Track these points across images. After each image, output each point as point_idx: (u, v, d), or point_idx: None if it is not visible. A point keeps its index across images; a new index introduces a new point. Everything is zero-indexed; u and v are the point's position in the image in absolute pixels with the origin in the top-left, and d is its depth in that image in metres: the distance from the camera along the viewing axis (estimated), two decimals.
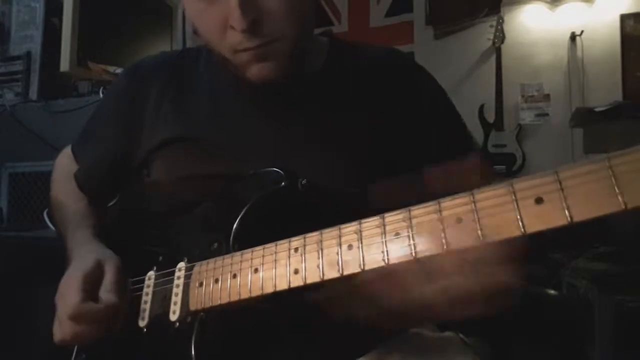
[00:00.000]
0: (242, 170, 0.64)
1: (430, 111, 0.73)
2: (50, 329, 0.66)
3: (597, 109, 2.08)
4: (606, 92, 2.95)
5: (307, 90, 0.72)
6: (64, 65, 1.35)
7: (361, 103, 0.71)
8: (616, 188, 0.34)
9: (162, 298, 0.63)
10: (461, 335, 0.68)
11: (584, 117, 2.18)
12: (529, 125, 3.21)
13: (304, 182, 0.59)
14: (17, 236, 1.32)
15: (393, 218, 0.45)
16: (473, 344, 0.66)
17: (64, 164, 0.88)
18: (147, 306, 0.64)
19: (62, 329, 0.63)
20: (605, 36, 3.08)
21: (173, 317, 0.60)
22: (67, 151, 0.90)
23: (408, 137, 0.69)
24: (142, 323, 0.64)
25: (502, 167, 3.11)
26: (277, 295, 0.52)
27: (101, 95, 1.27)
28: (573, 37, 3.12)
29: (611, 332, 1.49)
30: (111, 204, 0.90)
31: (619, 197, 0.34)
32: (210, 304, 0.57)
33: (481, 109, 3.22)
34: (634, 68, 3.01)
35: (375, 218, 0.46)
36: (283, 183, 0.59)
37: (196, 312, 0.58)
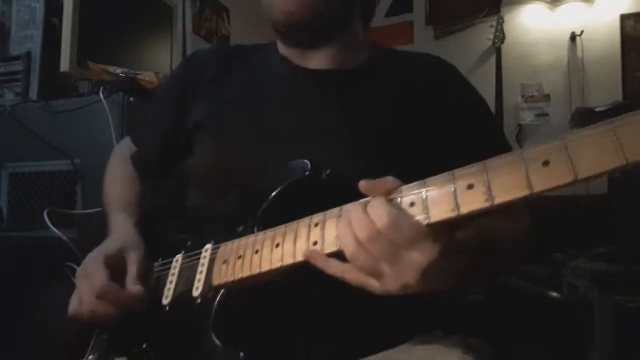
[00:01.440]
0: (272, 157, 0.67)
1: (468, 120, 0.74)
2: (51, 329, 0.67)
3: (597, 109, 2.08)
4: (606, 92, 2.95)
5: (348, 82, 0.75)
6: (64, 65, 1.35)
7: (398, 102, 0.73)
8: (618, 145, 0.36)
9: (187, 277, 0.66)
10: (464, 337, 0.68)
11: (584, 117, 2.18)
12: (529, 125, 3.22)
13: (328, 171, 0.62)
14: (17, 236, 1.32)
15: (409, 188, 0.48)
16: (475, 346, 0.66)
17: (121, 151, 0.93)
18: (172, 285, 0.67)
19: (81, 304, 0.66)
20: (605, 36, 3.08)
21: (195, 292, 0.63)
22: (126, 139, 0.95)
23: (443, 143, 0.71)
24: (165, 301, 0.67)
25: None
26: (296, 274, 0.54)
27: (101, 95, 1.27)
28: (573, 37, 3.12)
29: (611, 332, 1.49)
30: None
31: (621, 153, 0.36)
32: (232, 278, 0.59)
33: None
34: (634, 68, 3.01)
35: (395, 191, 0.49)
36: (307, 172, 0.61)
37: (218, 287, 0.61)
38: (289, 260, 0.53)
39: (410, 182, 0.49)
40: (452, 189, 0.44)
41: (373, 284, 0.49)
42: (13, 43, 1.52)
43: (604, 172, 0.37)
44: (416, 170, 0.56)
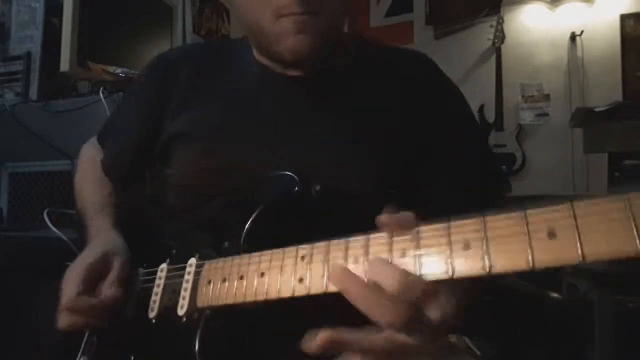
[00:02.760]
0: (259, 165, 0.65)
1: (453, 123, 0.74)
2: (50, 329, 0.67)
3: (597, 109, 2.07)
4: (606, 92, 2.95)
5: (331, 87, 0.73)
6: (64, 65, 1.35)
7: (385, 104, 0.72)
8: (634, 230, 0.32)
9: (172, 291, 0.64)
10: (465, 339, 0.68)
11: (584, 117, 2.18)
12: (529, 125, 3.22)
13: (317, 188, 0.60)
14: (17, 236, 1.32)
15: (401, 238, 0.44)
16: (476, 346, 0.66)
17: (89, 152, 0.91)
18: (157, 298, 0.66)
19: (59, 317, 0.66)
20: (605, 36, 3.08)
21: (180, 311, 0.61)
22: (92, 140, 0.93)
23: (428, 144, 0.70)
24: (151, 314, 0.65)
25: (502, 167, 3.11)
26: (284, 301, 0.51)
27: (101, 95, 1.27)
28: (573, 37, 3.13)
29: (611, 332, 1.48)
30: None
31: (637, 240, 0.32)
32: (217, 303, 0.57)
33: (481, 109, 3.23)
34: (634, 68, 3.01)
35: (383, 234, 0.45)
36: (296, 188, 0.59)
37: (202, 308, 0.59)
38: (273, 295, 0.51)
39: (395, 191, 0.46)
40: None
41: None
42: (13, 43, 1.52)
43: (614, 258, 0.33)
44: (401, 174, 0.55)
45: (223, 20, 2.94)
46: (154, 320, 0.65)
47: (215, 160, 0.70)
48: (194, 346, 0.57)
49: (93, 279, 0.66)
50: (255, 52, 0.78)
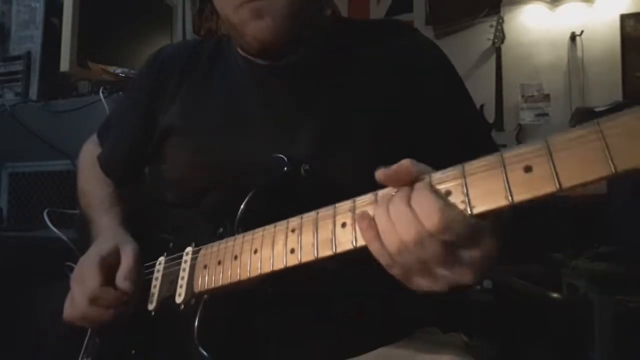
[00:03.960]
0: (247, 157, 0.66)
1: (445, 101, 0.71)
2: (50, 328, 0.67)
3: (597, 109, 2.08)
4: (606, 92, 2.95)
5: (309, 74, 0.72)
6: (64, 65, 1.35)
7: (367, 88, 0.69)
8: (606, 152, 0.33)
9: (170, 282, 0.65)
10: (464, 337, 0.68)
11: (584, 117, 2.18)
12: (529, 125, 3.21)
13: (306, 167, 0.61)
14: (17, 236, 1.32)
15: (386, 192, 0.45)
16: (475, 345, 0.67)
17: (90, 150, 0.91)
18: (156, 290, 0.66)
19: (73, 308, 0.66)
20: (605, 36, 3.08)
21: (178, 299, 0.62)
22: (93, 137, 0.92)
23: (419, 126, 0.68)
24: (150, 307, 0.66)
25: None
26: (278, 279, 0.53)
27: (101, 95, 1.27)
28: (573, 37, 3.12)
29: (611, 332, 1.48)
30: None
31: (609, 161, 0.33)
32: (212, 286, 0.58)
33: (481, 109, 3.22)
34: (634, 68, 3.01)
35: (369, 195, 0.46)
36: (285, 168, 0.60)
37: (200, 294, 0.60)
38: (267, 269, 0.52)
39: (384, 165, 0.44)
40: (503, 174, 0.38)
41: (419, 283, 0.44)
42: (13, 43, 1.52)
43: (589, 182, 0.34)
44: (391, 159, 0.55)
45: (223, 20, 2.93)
46: (153, 313, 0.66)
47: (208, 154, 0.71)
48: (193, 332, 0.57)
49: (108, 272, 0.66)
50: (238, 47, 0.78)
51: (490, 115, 3.20)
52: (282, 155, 0.61)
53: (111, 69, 1.39)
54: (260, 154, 0.64)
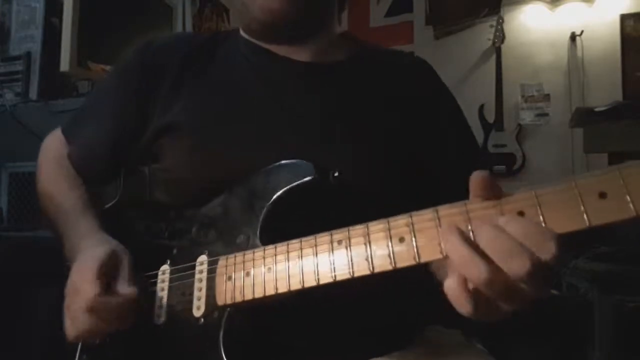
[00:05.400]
0: (258, 158, 0.61)
1: (447, 124, 0.75)
2: (50, 329, 0.66)
3: (597, 109, 2.07)
4: (606, 92, 2.95)
5: (328, 79, 0.72)
6: (64, 65, 1.35)
7: (381, 100, 0.72)
8: None
9: (181, 294, 0.60)
10: (463, 337, 0.68)
11: (584, 117, 2.18)
12: (529, 125, 3.21)
13: (335, 174, 0.57)
14: (17, 236, 1.32)
15: (447, 212, 0.44)
16: (474, 344, 0.66)
17: (54, 148, 0.81)
18: (164, 302, 0.61)
19: (75, 324, 0.59)
20: (605, 36, 3.08)
21: (197, 312, 0.58)
22: (56, 133, 0.83)
23: (422, 143, 0.71)
24: (158, 320, 0.61)
25: (502, 167, 3.11)
26: (307, 292, 0.50)
27: None
28: (573, 37, 3.12)
29: (611, 332, 1.48)
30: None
31: None
32: (242, 298, 0.54)
33: (481, 109, 3.22)
34: (634, 68, 3.01)
35: (428, 211, 0.45)
36: (314, 175, 0.56)
37: (224, 306, 0.56)
38: (311, 283, 0.49)
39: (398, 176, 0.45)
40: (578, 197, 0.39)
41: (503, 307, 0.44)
42: (13, 43, 1.52)
43: None
44: (399, 168, 0.55)
45: (223, 20, 2.93)
46: (163, 327, 0.61)
47: (215, 154, 0.66)
48: (219, 347, 0.54)
49: (107, 279, 0.59)
50: (243, 34, 0.77)
51: (490, 115, 3.19)
52: (306, 162, 0.58)
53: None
54: (272, 155, 0.60)
